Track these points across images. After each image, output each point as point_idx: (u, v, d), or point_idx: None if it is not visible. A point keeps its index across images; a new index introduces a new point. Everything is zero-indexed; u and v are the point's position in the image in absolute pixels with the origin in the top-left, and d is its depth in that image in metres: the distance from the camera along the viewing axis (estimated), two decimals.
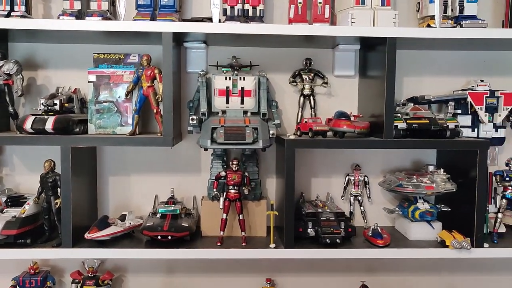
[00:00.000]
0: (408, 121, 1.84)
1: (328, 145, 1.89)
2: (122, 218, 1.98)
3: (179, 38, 1.92)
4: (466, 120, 2.07)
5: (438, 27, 1.86)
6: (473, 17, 1.94)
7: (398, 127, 1.83)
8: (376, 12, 1.89)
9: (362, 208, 2.16)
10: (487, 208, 1.88)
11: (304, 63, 2.10)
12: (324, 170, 2.18)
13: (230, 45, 2.09)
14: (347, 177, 2.14)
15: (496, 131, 2.06)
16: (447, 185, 1.90)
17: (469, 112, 2.05)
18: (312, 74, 2.10)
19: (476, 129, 2.06)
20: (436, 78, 2.18)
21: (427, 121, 1.84)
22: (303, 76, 2.10)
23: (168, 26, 1.75)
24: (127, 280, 2.18)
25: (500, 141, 2.08)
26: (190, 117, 1.86)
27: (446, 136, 1.86)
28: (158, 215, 1.93)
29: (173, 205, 1.95)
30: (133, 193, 2.15)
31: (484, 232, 1.91)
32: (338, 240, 1.82)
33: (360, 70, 2.13)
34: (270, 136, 1.87)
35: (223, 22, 1.87)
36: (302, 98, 2.11)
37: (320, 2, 1.91)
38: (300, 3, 1.90)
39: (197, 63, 2.08)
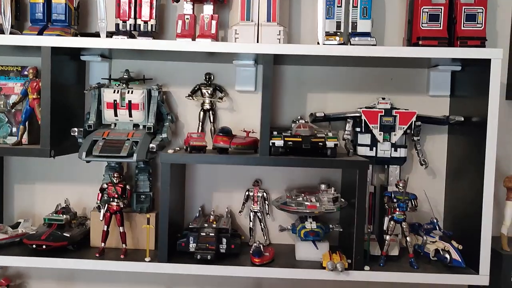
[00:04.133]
0: (286, 139, 1.81)
1: (199, 160, 1.88)
2: (16, 225, 2.03)
3: (74, 52, 1.96)
4: (365, 138, 2.01)
5: (321, 44, 1.83)
6: (366, 34, 1.91)
7: (276, 144, 1.80)
8: (261, 28, 1.88)
9: (262, 224, 2.12)
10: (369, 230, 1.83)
11: (204, 77, 2.10)
12: (226, 184, 2.17)
13: (133, 59, 2.13)
14: (247, 193, 2.12)
15: (396, 150, 2.00)
16: (329, 205, 1.86)
17: (365, 130, 1.99)
18: (212, 89, 2.10)
19: (374, 148, 2.01)
20: (343, 95, 2.14)
21: (300, 139, 1.80)
22: (203, 90, 2.10)
23: (40, 41, 1.79)
24: (29, 287, 2.22)
25: (400, 161, 2.01)
26: (72, 129, 1.89)
27: (327, 155, 1.82)
28: (47, 224, 1.97)
29: (62, 215, 1.98)
30: (38, 202, 2.20)
31: (374, 254, 1.87)
32: (209, 257, 1.80)
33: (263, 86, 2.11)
34: (150, 150, 1.88)
35: (111, 36, 1.91)
36: (202, 113, 2.11)
37: (207, 18, 1.91)
38: (187, 18, 1.91)
39: (100, 76, 2.11)
